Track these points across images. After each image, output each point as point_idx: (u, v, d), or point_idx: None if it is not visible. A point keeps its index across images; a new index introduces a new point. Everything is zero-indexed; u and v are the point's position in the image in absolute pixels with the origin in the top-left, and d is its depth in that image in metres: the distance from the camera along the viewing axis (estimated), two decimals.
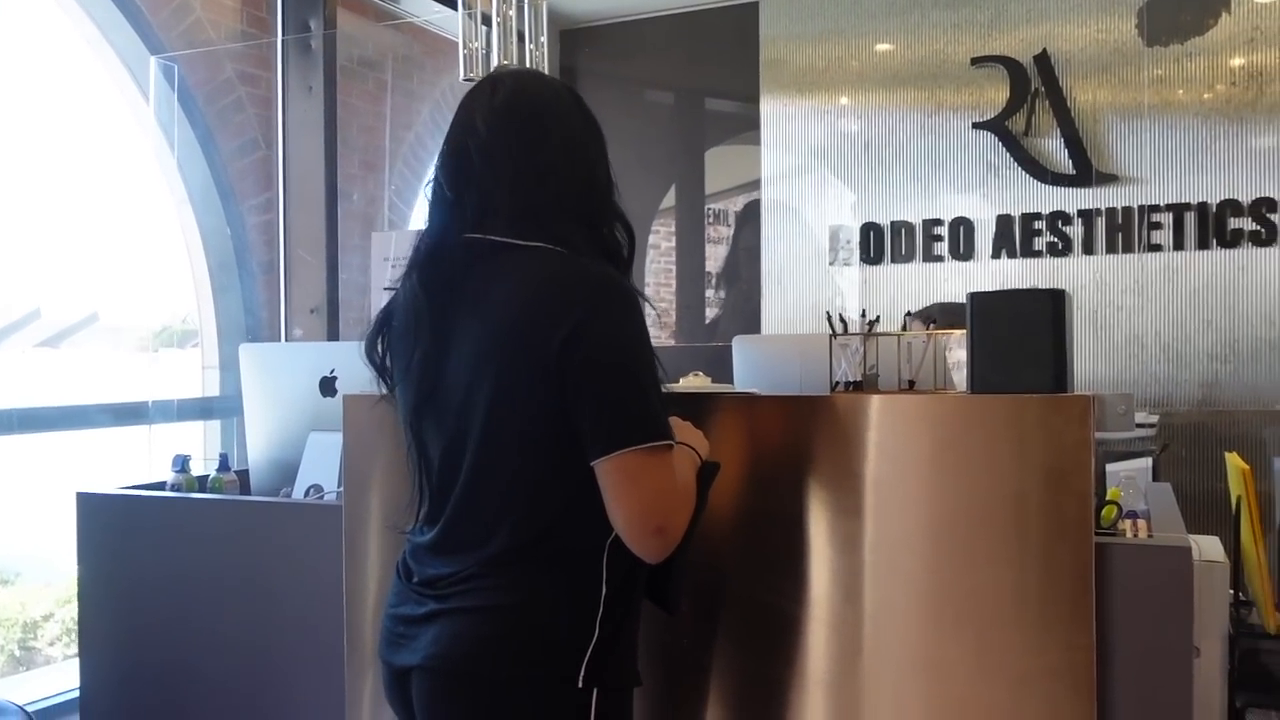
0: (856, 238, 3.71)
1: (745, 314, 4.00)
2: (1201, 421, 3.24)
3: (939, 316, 2.73)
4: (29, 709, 2.53)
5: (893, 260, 3.65)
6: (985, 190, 3.52)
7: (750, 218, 3.97)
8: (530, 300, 1.42)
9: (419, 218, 4.85)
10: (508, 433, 1.43)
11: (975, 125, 3.53)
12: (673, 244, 4.21)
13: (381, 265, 2.26)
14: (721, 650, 1.82)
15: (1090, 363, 3.36)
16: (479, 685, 1.42)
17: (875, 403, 1.74)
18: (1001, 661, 1.65)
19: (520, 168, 1.50)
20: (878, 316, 1.92)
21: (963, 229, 3.55)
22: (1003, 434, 1.66)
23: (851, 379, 1.89)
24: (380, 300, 2.17)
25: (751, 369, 2.20)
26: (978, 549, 1.67)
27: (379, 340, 1.60)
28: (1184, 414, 3.26)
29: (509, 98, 1.53)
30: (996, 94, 3.53)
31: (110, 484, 2.37)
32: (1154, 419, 3.12)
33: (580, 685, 1.41)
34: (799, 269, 3.79)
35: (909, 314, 2.78)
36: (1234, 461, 1.77)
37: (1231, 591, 1.69)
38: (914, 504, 1.70)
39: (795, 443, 1.77)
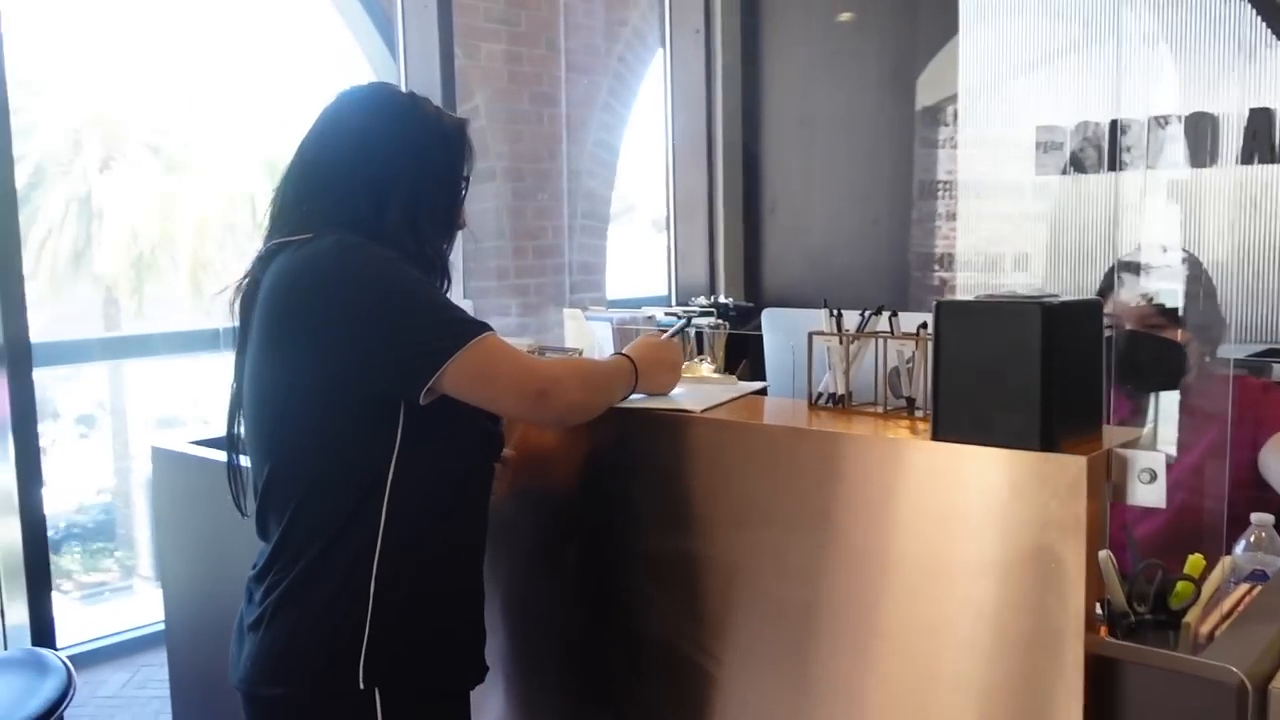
0: (1068, 141, 3.03)
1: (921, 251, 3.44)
2: None
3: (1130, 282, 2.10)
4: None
5: (1110, 167, 2.94)
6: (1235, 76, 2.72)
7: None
8: (271, 294, 1.41)
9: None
10: (281, 425, 1.41)
11: None
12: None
13: None
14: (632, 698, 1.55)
15: None
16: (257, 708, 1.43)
17: (815, 440, 1.36)
18: None
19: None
20: (880, 309, 1.49)
21: (1198, 127, 2.78)
22: (967, 498, 1.23)
23: (836, 391, 1.48)
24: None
25: (780, 352, 1.82)
26: (937, 646, 1.26)
27: None
28: None
29: None
30: None
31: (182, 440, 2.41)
32: None
33: (361, 687, 1.36)
34: (997, 181, 3.17)
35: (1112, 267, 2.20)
36: None
37: None
38: (862, 567, 1.32)
39: (732, 476, 1.43)
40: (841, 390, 1.47)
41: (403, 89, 1.56)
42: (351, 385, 1.36)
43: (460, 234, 1.60)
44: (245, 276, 1.48)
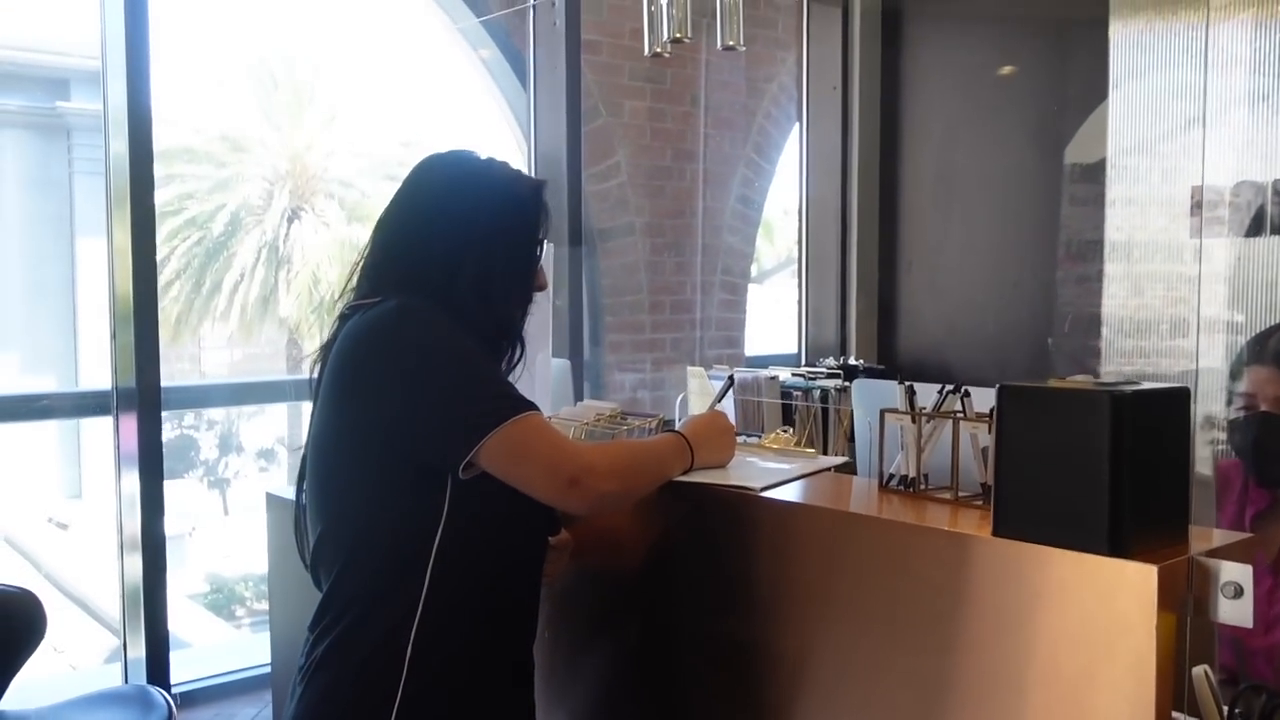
0: (1228, 201, 2.80)
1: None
2: None
3: None
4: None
5: (1274, 231, 2.70)
6: None
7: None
8: (336, 355, 1.42)
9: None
10: (332, 483, 1.42)
11: None
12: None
13: None
14: None
15: None
16: None
17: (863, 526, 1.27)
18: None
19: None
20: (957, 387, 1.39)
21: None
22: (1028, 602, 1.11)
23: (908, 473, 1.38)
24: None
25: (866, 426, 1.72)
26: None
27: None
28: None
29: None
30: None
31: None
32: None
33: None
34: (1150, 243, 2.96)
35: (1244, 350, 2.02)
36: None
37: None
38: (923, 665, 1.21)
39: (787, 558, 1.35)
40: (913, 472, 1.37)
41: (482, 155, 1.56)
42: (395, 451, 1.36)
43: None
44: (327, 341, 1.51)
